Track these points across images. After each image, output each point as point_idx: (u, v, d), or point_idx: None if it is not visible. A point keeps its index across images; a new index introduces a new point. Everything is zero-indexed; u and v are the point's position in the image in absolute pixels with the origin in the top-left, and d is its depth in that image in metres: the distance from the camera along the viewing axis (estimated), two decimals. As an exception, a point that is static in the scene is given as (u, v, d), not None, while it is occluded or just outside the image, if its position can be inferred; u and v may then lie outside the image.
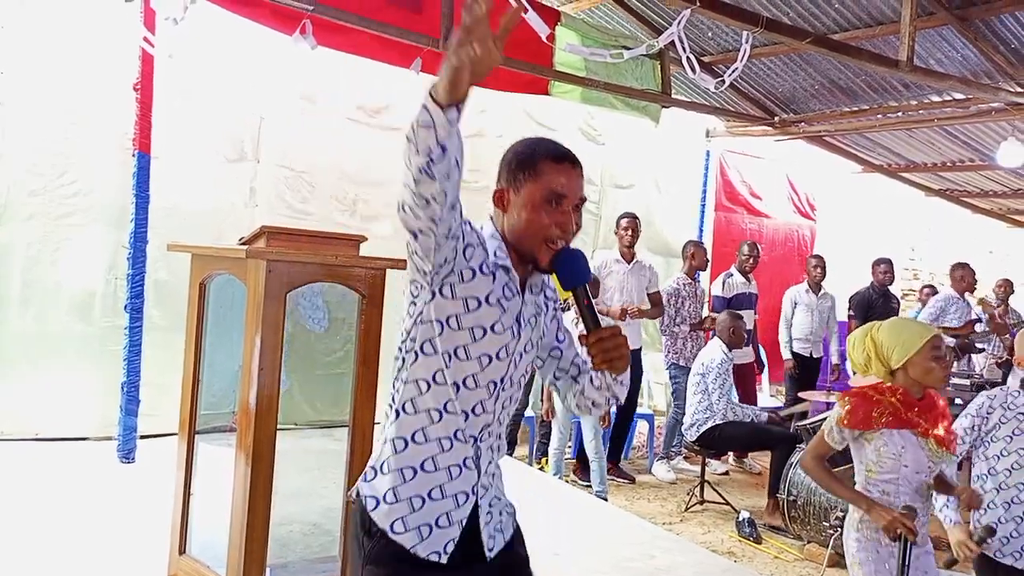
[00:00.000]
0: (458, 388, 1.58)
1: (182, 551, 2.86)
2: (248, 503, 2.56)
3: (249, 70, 5.32)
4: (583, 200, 1.61)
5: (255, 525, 2.57)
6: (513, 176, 1.59)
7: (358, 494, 1.63)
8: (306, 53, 4.50)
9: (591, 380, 1.72)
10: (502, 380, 1.62)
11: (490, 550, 1.64)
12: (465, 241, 1.53)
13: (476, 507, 1.62)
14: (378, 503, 1.59)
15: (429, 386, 1.58)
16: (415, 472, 1.58)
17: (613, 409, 5.64)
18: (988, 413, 2.84)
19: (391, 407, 1.63)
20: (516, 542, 1.74)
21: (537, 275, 1.66)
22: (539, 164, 1.57)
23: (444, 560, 1.58)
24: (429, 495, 1.58)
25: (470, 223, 1.57)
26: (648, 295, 5.91)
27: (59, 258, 4.85)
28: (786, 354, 6.90)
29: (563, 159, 1.59)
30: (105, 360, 4.82)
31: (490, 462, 1.66)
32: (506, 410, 1.67)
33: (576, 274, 1.57)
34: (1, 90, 4.63)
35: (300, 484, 3.31)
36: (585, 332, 1.58)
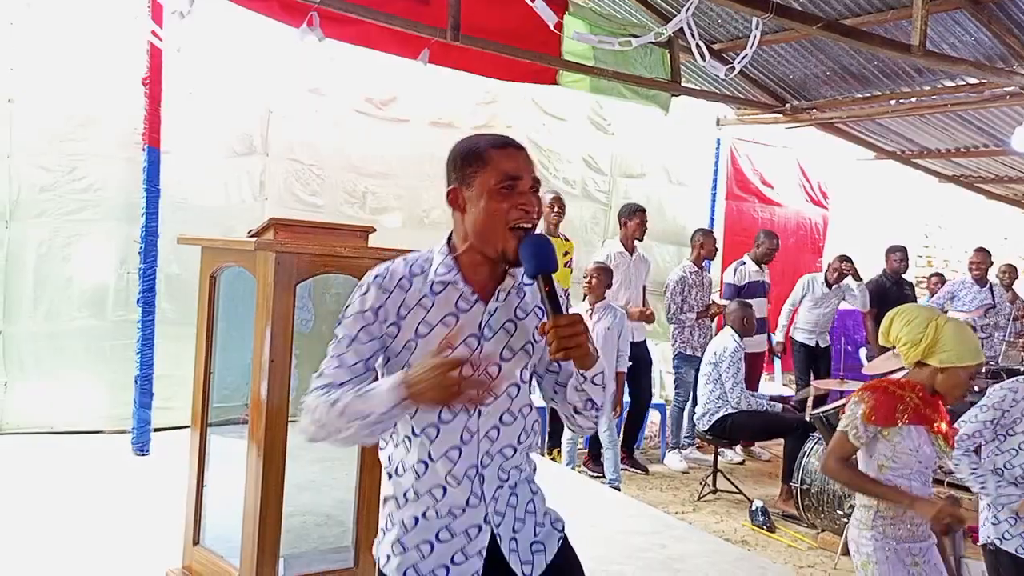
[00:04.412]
0: (436, 427, 1.53)
1: (196, 542, 2.88)
2: (261, 494, 2.57)
3: (257, 63, 5.33)
4: (537, 182, 1.58)
5: (268, 516, 2.58)
6: (462, 172, 1.57)
7: (376, 558, 1.63)
8: (314, 45, 4.50)
9: (571, 383, 1.63)
10: None
11: (527, 575, 1.60)
12: (387, 320, 1.54)
13: (495, 536, 1.57)
14: (389, 558, 1.58)
15: (410, 441, 1.56)
16: (416, 521, 1.57)
17: (626, 397, 5.64)
18: (1011, 406, 2.76)
19: (387, 470, 1.62)
20: (565, 560, 1.67)
21: (510, 279, 1.59)
22: (484, 154, 1.55)
23: None
24: (437, 537, 1.56)
25: (385, 274, 1.56)
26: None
27: (71, 254, 4.87)
28: (780, 336, 6.88)
29: (507, 144, 1.57)
30: (118, 354, 4.85)
31: (499, 488, 1.59)
32: (511, 427, 1.59)
33: (538, 260, 1.49)
34: (11, 87, 4.65)
35: (312, 476, 3.33)
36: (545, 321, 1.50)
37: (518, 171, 1.54)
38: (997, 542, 2.68)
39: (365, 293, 1.55)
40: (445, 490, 1.55)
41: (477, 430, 1.56)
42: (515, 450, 1.60)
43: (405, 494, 1.58)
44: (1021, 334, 6.69)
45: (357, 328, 1.54)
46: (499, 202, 1.52)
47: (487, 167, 1.54)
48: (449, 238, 1.62)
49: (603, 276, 5.17)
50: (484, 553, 1.56)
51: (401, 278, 1.56)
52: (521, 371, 1.60)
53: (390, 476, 1.61)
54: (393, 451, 1.60)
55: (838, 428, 2.47)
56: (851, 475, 2.44)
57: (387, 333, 1.55)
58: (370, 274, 1.57)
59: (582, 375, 1.56)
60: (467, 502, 1.56)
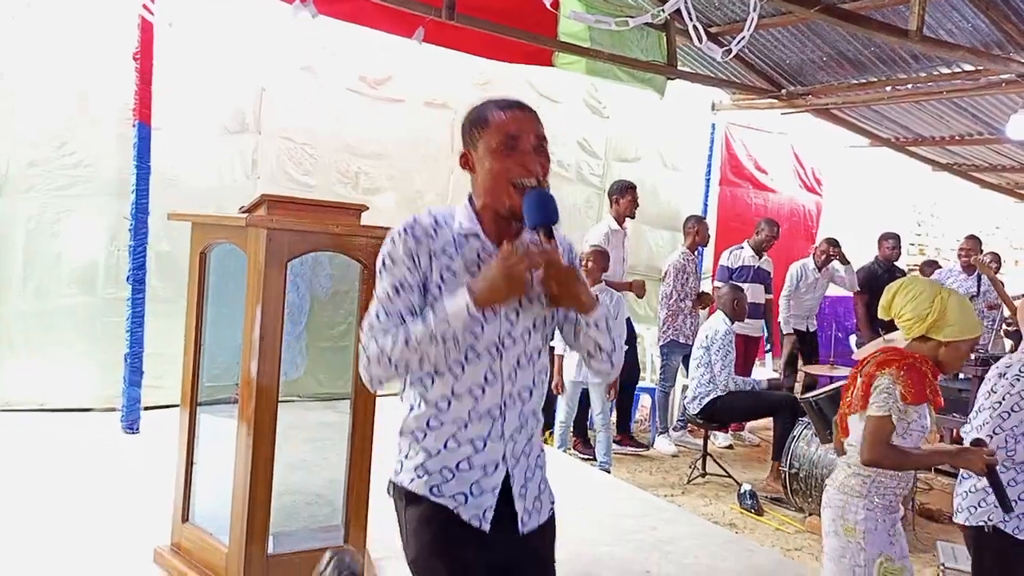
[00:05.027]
0: (461, 367, 1.61)
1: (185, 519, 2.89)
2: (251, 473, 2.57)
3: (250, 39, 5.27)
4: (543, 139, 1.65)
5: (257, 494, 2.58)
6: (470, 136, 1.67)
7: (393, 485, 1.70)
8: (307, 22, 4.44)
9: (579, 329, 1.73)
10: (502, 341, 1.63)
11: (524, 524, 1.67)
12: (422, 267, 1.61)
13: (508, 476, 1.65)
14: (413, 479, 1.66)
15: (433, 380, 1.64)
16: (440, 450, 1.64)
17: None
18: None
19: (406, 404, 1.69)
20: (550, 532, 1.74)
21: (525, 233, 1.67)
22: (488, 116, 1.65)
23: (486, 527, 1.62)
24: (457, 467, 1.64)
25: (413, 225, 1.63)
26: None
27: (60, 230, 4.83)
28: (787, 328, 6.89)
29: (509, 106, 1.66)
30: (108, 332, 4.82)
31: (518, 431, 1.66)
32: (526, 370, 1.66)
33: (540, 213, 1.57)
34: (1, 62, 4.58)
35: (303, 455, 3.33)
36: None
37: (518, 131, 1.62)
38: (1001, 524, 2.66)
39: (399, 243, 1.62)
40: (467, 424, 1.63)
41: (500, 371, 1.64)
42: (531, 392, 1.69)
43: (428, 423, 1.65)
44: (1008, 321, 6.71)
45: (402, 274, 1.61)
46: (501, 161, 1.61)
47: (489, 129, 1.63)
48: (470, 195, 1.71)
49: (599, 259, 5.16)
50: (497, 492, 1.64)
51: (429, 227, 1.64)
52: (535, 320, 1.68)
53: (411, 409, 1.67)
54: (411, 389, 1.67)
55: (874, 413, 2.36)
56: (904, 456, 2.38)
57: (422, 278, 1.63)
58: (398, 226, 1.65)
59: (584, 321, 1.66)
60: (488, 435, 1.64)
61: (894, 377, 2.36)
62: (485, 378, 1.62)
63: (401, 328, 1.57)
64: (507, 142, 1.61)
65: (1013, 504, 2.47)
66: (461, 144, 1.69)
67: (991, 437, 2.67)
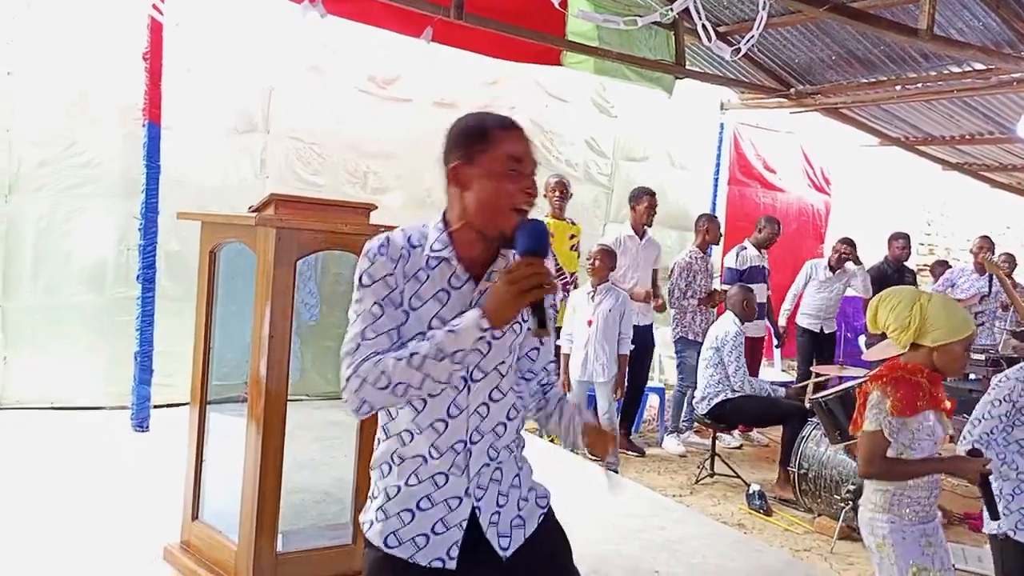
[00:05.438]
0: (423, 400, 1.56)
1: (195, 517, 2.90)
2: (260, 471, 2.58)
3: (258, 39, 5.28)
4: (536, 164, 1.60)
5: (266, 493, 2.59)
6: (466, 150, 1.56)
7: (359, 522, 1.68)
8: (316, 22, 4.46)
9: (557, 414, 1.72)
10: (470, 374, 1.57)
11: (504, 549, 1.61)
12: (399, 287, 1.55)
13: (475, 509, 1.60)
14: (371, 524, 1.62)
15: (398, 411, 1.59)
16: (399, 489, 1.60)
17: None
18: (1020, 396, 2.72)
19: (376, 436, 1.66)
20: (546, 535, 1.70)
21: (502, 260, 1.60)
22: (491, 134, 1.56)
23: (452, 565, 1.57)
24: (418, 506, 1.58)
25: (387, 244, 1.56)
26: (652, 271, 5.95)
27: (70, 229, 4.86)
28: (782, 320, 6.87)
29: (512, 126, 1.59)
30: (118, 330, 4.84)
31: (485, 465, 1.61)
32: (500, 404, 1.61)
33: (532, 240, 1.50)
34: (10, 59, 4.61)
35: (312, 454, 3.34)
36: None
37: (522, 154, 1.56)
38: (1010, 532, 2.67)
39: (374, 264, 1.55)
40: (426, 460, 1.58)
41: (467, 406, 1.58)
42: (506, 427, 1.64)
43: (391, 458, 1.61)
44: (1019, 322, 6.67)
45: (383, 295, 1.54)
46: (506, 184, 1.53)
47: (494, 148, 1.55)
48: (444, 214, 1.63)
49: (606, 258, 5.16)
50: (464, 525, 1.59)
51: (402, 248, 1.57)
52: (511, 345, 1.62)
53: (379, 441, 1.64)
54: (380, 415, 1.63)
55: (867, 428, 2.40)
56: (897, 467, 2.40)
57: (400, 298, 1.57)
58: (372, 244, 1.57)
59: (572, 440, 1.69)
60: (449, 471, 1.58)
61: (882, 392, 2.38)
62: (448, 412, 1.56)
63: (402, 348, 1.51)
64: (513, 165, 1.54)
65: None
66: (447, 153, 1.60)
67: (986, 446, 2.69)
